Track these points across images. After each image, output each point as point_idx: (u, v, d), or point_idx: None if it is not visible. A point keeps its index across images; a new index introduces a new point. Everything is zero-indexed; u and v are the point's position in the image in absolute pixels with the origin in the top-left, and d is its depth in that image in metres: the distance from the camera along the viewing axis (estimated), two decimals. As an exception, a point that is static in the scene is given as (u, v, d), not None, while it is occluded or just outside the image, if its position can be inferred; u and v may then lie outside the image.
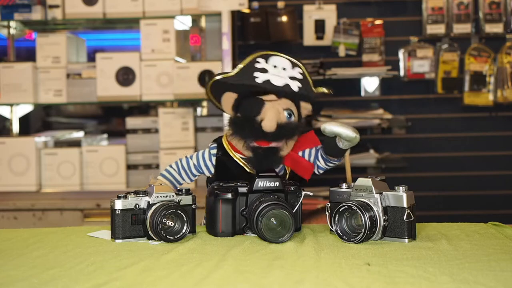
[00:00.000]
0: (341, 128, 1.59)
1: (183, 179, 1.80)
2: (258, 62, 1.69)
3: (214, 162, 1.76)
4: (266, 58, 1.70)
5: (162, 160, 3.43)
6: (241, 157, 1.73)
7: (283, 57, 1.72)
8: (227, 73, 1.72)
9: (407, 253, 1.40)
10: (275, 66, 1.68)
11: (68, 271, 1.29)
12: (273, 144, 1.66)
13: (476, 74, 3.81)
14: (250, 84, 1.66)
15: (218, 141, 1.78)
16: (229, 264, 1.32)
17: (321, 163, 1.76)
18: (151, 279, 1.22)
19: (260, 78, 1.66)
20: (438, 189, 3.93)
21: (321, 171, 1.78)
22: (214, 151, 1.77)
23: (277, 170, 1.71)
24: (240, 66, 1.71)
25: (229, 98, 1.73)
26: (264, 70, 1.67)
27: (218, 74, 1.72)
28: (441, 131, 3.94)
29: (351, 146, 1.65)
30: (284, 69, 1.69)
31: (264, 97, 1.66)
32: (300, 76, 1.70)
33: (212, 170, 1.77)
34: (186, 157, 1.80)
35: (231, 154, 1.74)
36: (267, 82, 1.65)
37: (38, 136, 3.58)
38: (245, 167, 1.73)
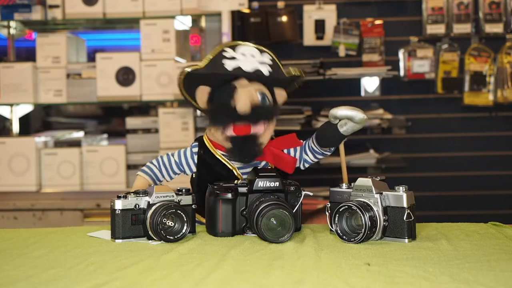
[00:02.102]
0: (353, 111, 1.60)
1: (163, 176, 1.80)
2: (226, 52, 1.70)
3: (196, 160, 1.76)
4: (233, 47, 1.72)
5: (162, 160, 3.43)
6: (223, 154, 1.73)
7: (250, 45, 1.74)
8: (196, 65, 1.73)
9: (407, 253, 1.40)
10: (243, 54, 1.70)
11: (68, 271, 1.29)
12: (252, 130, 1.67)
13: (476, 74, 3.82)
14: (221, 73, 1.67)
15: (200, 139, 1.78)
16: (229, 264, 1.32)
17: (309, 156, 1.76)
18: (151, 279, 1.22)
19: (229, 65, 1.67)
20: (438, 189, 3.93)
21: (307, 165, 1.78)
22: (195, 149, 1.77)
23: (260, 166, 1.72)
24: (209, 57, 1.72)
25: (202, 92, 1.73)
26: (233, 58, 1.69)
27: (188, 67, 1.73)
28: (441, 131, 3.94)
29: (354, 131, 1.65)
30: (252, 56, 1.70)
31: (236, 82, 1.67)
32: (270, 62, 1.71)
33: (194, 168, 1.78)
34: (167, 154, 1.80)
35: (212, 151, 1.74)
36: (238, 68, 1.67)
37: (38, 136, 3.58)
38: (226, 163, 1.73)
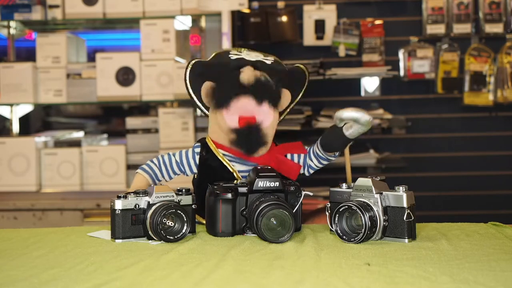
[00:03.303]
0: (359, 113, 1.61)
1: (162, 175, 1.79)
2: (231, 53, 1.78)
3: (197, 161, 1.76)
4: (238, 50, 1.80)
5: (162, 160, 3.43)
6: (225, 155, 1.73)
7: (254, 51, 1.82)
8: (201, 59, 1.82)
9: (407, 253, 1.40)
10: (248, 54, 1.78)
11: (68, 271, 1.29)
12: (257, 118, 1.67)
13: (476, 74, 3.82)
14: (227, 62, 1.73)
15: (202, 141, 1.79)
16: (229, 264, 1.32)
17: (313, 162, 1.76)
18: (151, 279, 1.22)
19: (235, 57, 1.74)
20: (438, 189, 3.93)
21: (311, 171, 1.78)
22: (198, 150, 1.77)
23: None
24: (214, 54, 1.81)
25: (207, 88, 1.74)
26: (238, 55, 1.76)
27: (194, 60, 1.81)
28: (441, 131, 3.94)
29: (360, 134, 1.65)
30: (257, 56, 1.78)
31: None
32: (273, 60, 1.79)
33: (194, 169, 1.77)
34: (168, 153, 1.79)
35: (215, 153, 1.74)
36: (242, 59, 1.74)
37: (38, 136, 3.58)
38: (227, 165, 1.73)
